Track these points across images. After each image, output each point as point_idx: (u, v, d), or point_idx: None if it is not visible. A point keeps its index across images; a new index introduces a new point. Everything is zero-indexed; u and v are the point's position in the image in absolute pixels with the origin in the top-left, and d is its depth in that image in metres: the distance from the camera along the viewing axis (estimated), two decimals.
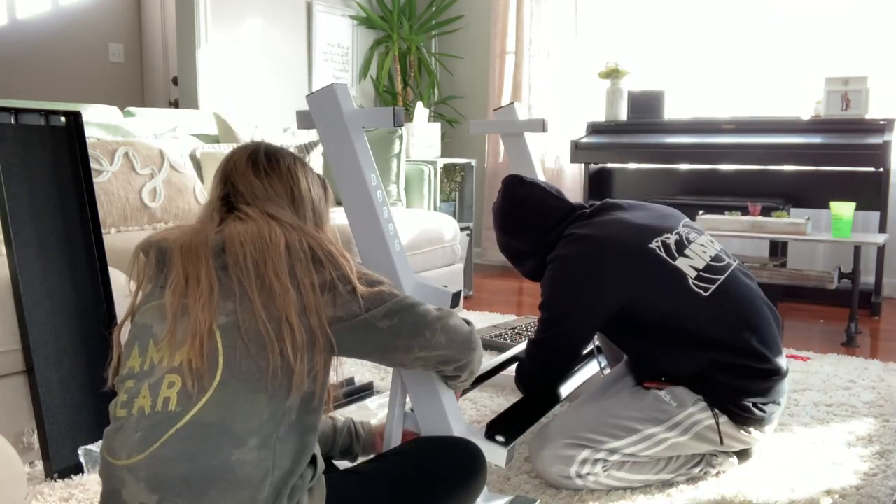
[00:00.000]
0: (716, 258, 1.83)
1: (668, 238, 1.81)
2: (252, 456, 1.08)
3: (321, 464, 1.21)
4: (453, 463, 1.33)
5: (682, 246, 1.81)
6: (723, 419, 1.73)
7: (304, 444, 1.15)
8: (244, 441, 1.09)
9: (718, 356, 1.72)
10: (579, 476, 1.70)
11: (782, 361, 1.79)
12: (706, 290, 1.75)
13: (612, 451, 1.71)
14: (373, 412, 2.20)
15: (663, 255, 1.77)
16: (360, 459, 1.55)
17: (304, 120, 1.53)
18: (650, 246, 1.78)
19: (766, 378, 1.75)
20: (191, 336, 1.11)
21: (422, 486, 1.28)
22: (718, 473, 1.81)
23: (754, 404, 1.74)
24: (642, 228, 1.82)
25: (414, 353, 1.23)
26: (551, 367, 1.91)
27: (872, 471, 1.84)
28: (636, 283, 1.74)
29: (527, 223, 1.95)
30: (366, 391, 2.36)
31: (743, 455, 1.86)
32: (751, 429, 1.76)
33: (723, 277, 1.79)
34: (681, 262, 1.77)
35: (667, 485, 1.76)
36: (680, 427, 1.71)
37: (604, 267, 1.75)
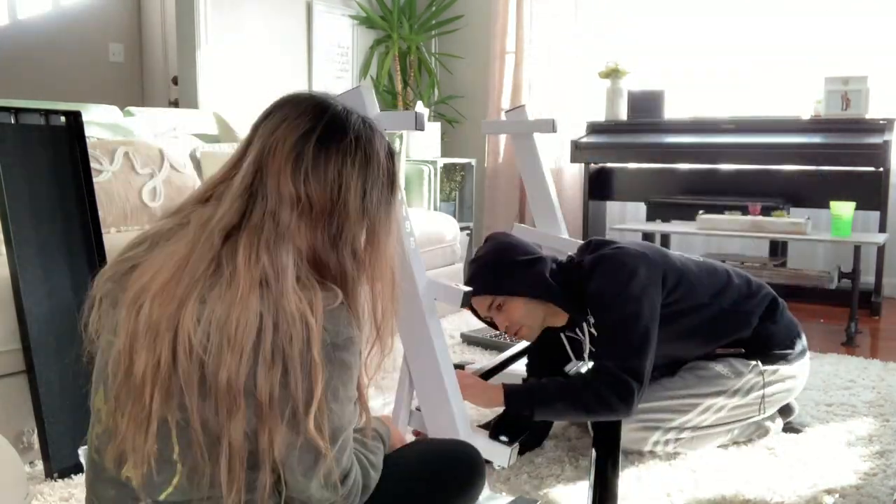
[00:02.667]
0: None
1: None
2: None
3: None
4: (451, 474, 1.31)
5: None
6: (767, 369, 1.96)
7: None
8: None
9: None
10: (652, 451, 1.93)
11: None
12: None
13: (681, 429, 1.91)
14: (375, 411, 2.20)
15: None
16: None
17: None
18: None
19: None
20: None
21: (419, 500, 1.26)
22: (767, 434, 2.04)
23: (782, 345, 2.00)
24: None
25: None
26: (649, 359, 1.80)
27: (872, 470, 1.84)
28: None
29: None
30: None
31: (786, 425, 2.10)
32: (786, 364, 1.98)
33: None
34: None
35: (667, 485, 1.78)
36: (739, 392, 1.93)
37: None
